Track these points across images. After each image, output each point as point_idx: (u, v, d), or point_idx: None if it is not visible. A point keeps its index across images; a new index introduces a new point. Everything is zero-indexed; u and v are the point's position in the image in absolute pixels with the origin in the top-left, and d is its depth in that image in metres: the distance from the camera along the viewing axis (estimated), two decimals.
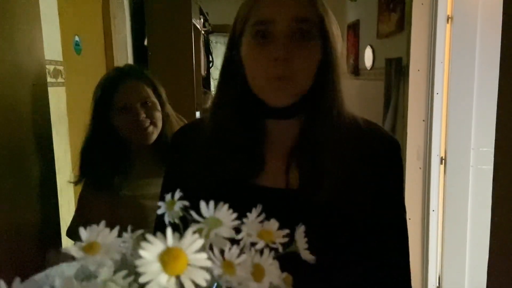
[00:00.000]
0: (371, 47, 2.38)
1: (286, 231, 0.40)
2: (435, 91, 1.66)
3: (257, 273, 0.39)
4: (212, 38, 4.17)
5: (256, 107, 0.65)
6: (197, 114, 2.37)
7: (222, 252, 0.38)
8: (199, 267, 0.31)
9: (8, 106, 0.98)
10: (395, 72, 1.79)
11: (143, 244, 0.30)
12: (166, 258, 0.30)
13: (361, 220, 0.65)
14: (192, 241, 0.31)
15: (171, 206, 0.39)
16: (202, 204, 0.37)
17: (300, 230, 0.42)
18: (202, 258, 0.31)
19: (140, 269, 0.29)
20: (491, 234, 1.04)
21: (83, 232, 0.34)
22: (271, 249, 0.40)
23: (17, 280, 0.31)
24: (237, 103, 0.67)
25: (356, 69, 2.47)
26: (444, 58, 1.63)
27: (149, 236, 0.30)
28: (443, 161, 1.71)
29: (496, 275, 1.05)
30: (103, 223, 0.35)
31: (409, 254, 0.69)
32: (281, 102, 0.63)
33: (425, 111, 1.68)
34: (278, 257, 0.41)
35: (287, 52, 0.60)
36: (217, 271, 0.36)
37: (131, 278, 0.35)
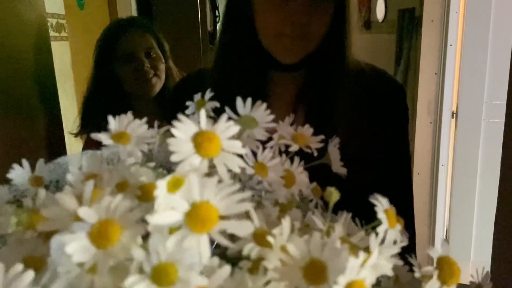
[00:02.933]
0: None
1: (322, 136, 0.39)
2: (449, 42, 1.62)
3: (288, 180, 0.38)
4: None
5: (263, 59, 0.64)
6: None
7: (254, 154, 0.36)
8: (233, 153, 0.29)
9: (11, 59, 0.96)
10: (408, 24, 1.75)
11: (175, 123, 0.28)
12: (200, 140, 0.28)
13: (364, 161, 0.64)
14: (227, 127, 0.29)
15: (200, 106, 0.37)
16: (239, 100, 0.35)
17: (334, 142, 0.41)
18: (237, 145, 0.29)
19: (172, 148, 0.28)
20: (500, 189, 1.03)
21: (112, 121, 0.32)
22: (301, 159, 0.39)
23: (41, 161, 0.30)
24: (242, 53, 0.65)
25: (368, 22, 2.41)
26: (459, 8, 1.58)
27: (181, 116, 0.28)
28: (455, 115, 1.69)
29: (503, 228, 1.05)
30: (130, 113, 0.34)
31: (412, 195, 0.70)
32: (291, 60, 0.62)
33: (438, 64, 1.64)
34: (307, 168, 0.40)
35: (305, 14, 0.57)
36: (249, 171, 0.35)
37: (159, 171, 0.34)
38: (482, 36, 1.60)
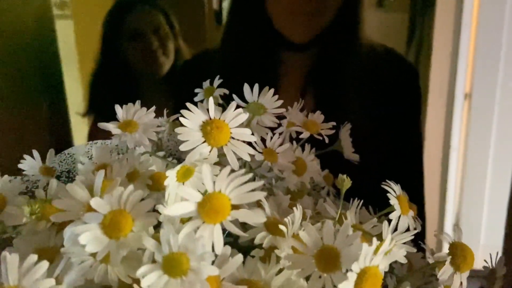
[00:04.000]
0: None
1: (333, 123, 0.38)
2: (464, 22, 1.57)
3: (299, 167, 0.38)
4: None
5: (272, 39, 0.62)
6: None
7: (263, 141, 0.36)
8: (243, 142, 0.29)
9: (13, 38, 0.96)
10: (421, 2, 1.70)
11: (184, 112, 0.28)
12: (209, 129, 0.28)
13: (375, 146, 0.64)
14: (235, 114, 0.29)
15: (209, 93, 0.37)
16: (246, 86, 0.35)
17: (346, 128, 0.40)
18: (246, 133, 0.29)
19: (181, 137, 0.27)
20: None
21: (119, 109, 0.32)
22: (312, 146, 0.39)
23: (51, 151, 0.30)
24: (251, 34, 0.64)
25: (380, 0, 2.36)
26: None
27: (189, 105, 0.28)
28: (468, 97, 1.66)
29: None
30: (138, 102, 0.33)
31: (423, 181, 0.69)
32: (304, 38, 0.61)
33: (452, 44, 1.60)
34: (318, 155, 0.40)
35: None
36: (258, 157, 0.35)
37: (169, 159, 0.34)
38: (498, 16, 1.55)
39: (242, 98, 0.35)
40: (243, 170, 0.24)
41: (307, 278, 0.26)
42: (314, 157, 0.39)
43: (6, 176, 0.29)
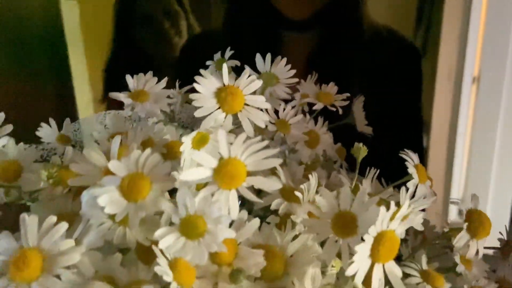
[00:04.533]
0: None
1: (347, 94, 0.38)
2: (473, 3, 1.54)
3: (312, 139, 0.38)
4: None
5: (271, 18, 0.62)
6: None
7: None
8: (257, 108, 0.29)
9: (19, 20, 0.95)
10: None
11: (198, 78, 0.28)
12: (223, 95, 0.28)
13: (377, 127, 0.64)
14: (249, 81, 0.29)
15: (220, 65, 0.37)
16: (258, 56, 0.34)
17: (359, 101, 0.40)
18: (261, 100, 0.29)
19: (195, 103, 0.27)
20: None
21: (129, 79, 0.32)
22: (325, 119, 0.38)
23: (67, 120, 0.30)
24: (251, 12, 0.63)
25: None
26: None
27: (203, 71, 0.28)
28: (476, 81, 1.64)
29: None
30: (150, 73, 0.33)
31: (424, 159, 0.69)
32: (301, 13, 0.60)
33: (461, 26, 1.58)
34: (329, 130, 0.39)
35: None
36: (271, 128, 0.35)
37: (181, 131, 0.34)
38: None
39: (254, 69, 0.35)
40: (259, 137, 0.24)
41: (322, 244, 0.26)
42: (327, 130, 0.39)
43: (21, 143, 0.29)
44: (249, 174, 0.24)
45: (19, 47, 0.95)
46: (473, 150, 1.75)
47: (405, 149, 0.29)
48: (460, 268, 0.28)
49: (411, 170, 0.27)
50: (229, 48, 0.37)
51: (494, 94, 1.65)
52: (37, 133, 0.30)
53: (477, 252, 0.27)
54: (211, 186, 0.23)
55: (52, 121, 0.31)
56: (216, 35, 0.69)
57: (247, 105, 0.28)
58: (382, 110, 0.62)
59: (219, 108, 0.28)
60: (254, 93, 0.29)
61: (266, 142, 0.23)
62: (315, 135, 0.37)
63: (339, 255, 0.24)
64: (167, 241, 0.21)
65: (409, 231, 0.33)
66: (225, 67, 0.28)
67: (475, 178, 1.79)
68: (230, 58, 0.37)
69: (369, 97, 0.61)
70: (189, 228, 0.22)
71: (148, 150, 0.23)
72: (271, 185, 0.23)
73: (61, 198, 0.26)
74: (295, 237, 0.27)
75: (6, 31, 0.93)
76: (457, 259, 0.28)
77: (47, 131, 0.30)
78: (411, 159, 0.28)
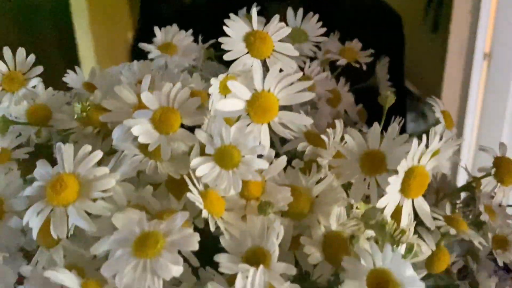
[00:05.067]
0: None
1: (371, 50, 0.38)
2: None
3: (333, 98, 0.38)
4: None
5: None
6: None
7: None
8: (286, 56, 0.29)
9: None
10: None
11: (228, 21, 0.28)
12: (252, 40, 0.28)
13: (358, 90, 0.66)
14: (279, 27, 0.29)
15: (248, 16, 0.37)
16: (290, 10, 0.34)
17: (383, 62, 0.40)
18: (289, 47, 0.29)
19: (224, 46, 0.27)
20: None
21: (158, 31, 0.32)
22: (346, 80, 0.38)
23: (93, 68, 0.30)
24: None
25: None
26: None
27: (233, 16, 0.28)
28: (487, 57, 1.62)
29: None
30: (175, 25, 0.33)
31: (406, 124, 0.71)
32: None
33: (473, 1, 1.55)
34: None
35: None
36: None
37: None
38: None
39: None
40: (293, 70, 0.24)
41: (346, 188, 0.26)
42: (348, 91, 0.39)
43: (50, 88, 0.29)
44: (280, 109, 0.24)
45: (25, 20, 0.95)
46: (483, 127, 1.74)
47: (432, 96, 0.29)
48: (485, 217, 0.28)
49: (438, 114, 0.28)
50: (255, 3, 0.37)
51: (506, 71, 1.63)
52: (64, 79, 0.30)
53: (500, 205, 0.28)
54: (244, 119, 0.23)
55: (78, 68, 0.31)
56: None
57: (276, 51, 0.28)
58: (362, 79, 0.63)
59: (247, 52, 0.28)
60: (282, 41, 0.29)
61: (300, 74, 0.23)
62: (337, 94, 0.38)
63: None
64: (203, 170, 0.21)
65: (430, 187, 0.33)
66: (254, 12, 0.28)
67: (484, 155, 1.78)
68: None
69: (350, 66, 0.61)
70: (224, 158, 0.22)
71: (178, 84, 0.24)
72: (303, 120, 0.24)
73: (91, 139, 0.27)
74: (320, 180, 0.27)
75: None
76: (481, 207, 0.28)
77: (73, 77, 0.31)
78: (437, 104, 0.28)
